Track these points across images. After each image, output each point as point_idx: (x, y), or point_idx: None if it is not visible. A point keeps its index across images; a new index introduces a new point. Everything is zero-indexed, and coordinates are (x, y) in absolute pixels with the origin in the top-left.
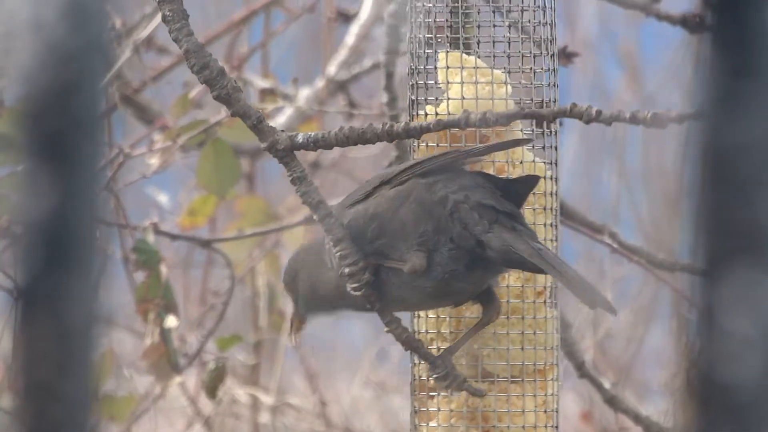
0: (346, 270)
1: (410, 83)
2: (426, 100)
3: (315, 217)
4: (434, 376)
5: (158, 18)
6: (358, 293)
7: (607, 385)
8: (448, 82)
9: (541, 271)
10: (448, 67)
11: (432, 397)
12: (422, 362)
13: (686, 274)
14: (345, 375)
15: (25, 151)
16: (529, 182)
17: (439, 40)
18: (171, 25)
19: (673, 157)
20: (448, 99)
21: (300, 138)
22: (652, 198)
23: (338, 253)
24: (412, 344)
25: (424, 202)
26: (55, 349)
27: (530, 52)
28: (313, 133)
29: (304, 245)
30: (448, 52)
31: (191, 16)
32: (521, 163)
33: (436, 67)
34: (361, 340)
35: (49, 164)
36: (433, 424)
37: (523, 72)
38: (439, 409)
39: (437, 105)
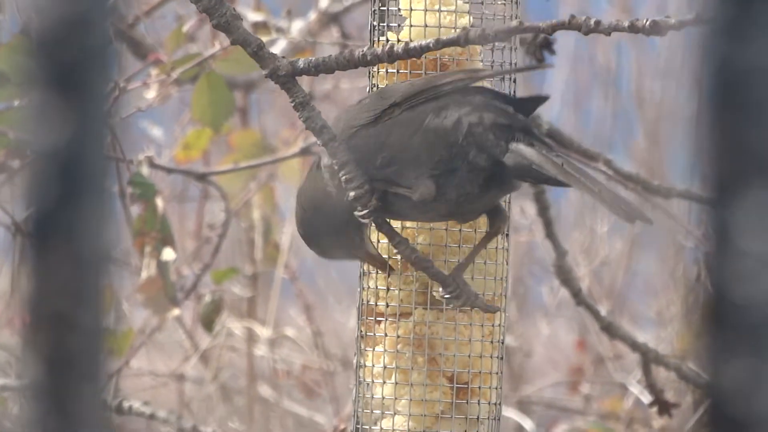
0: (352, 194)
1: (372, 9)
2: (387, 26)
3: (319, 141)
4: (447, 295)
5: None
6: (365, 220)
7: (602, 312)
8: (411, 9)
9: (565, 185)
10: None
11: (379, 322)
12: (371, 287)
13: (681, 202)
14: (340, 306)
15: (38, 83)
16: (537, 100)
17: None
18: None
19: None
20: (411, 26)
21: (301, 63)
22: (644, 126)
23: (344, 177)
24: (422, 264)
25: (437, 130)
26: (71, 280)
27: None
28: (313, 58)
29: (302, 189)
30: None
31: None
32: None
33: None
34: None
35: (61, 96)
36: (379, 348)
37: (483, 3)
38: (386, 335)
39: (398, 32)
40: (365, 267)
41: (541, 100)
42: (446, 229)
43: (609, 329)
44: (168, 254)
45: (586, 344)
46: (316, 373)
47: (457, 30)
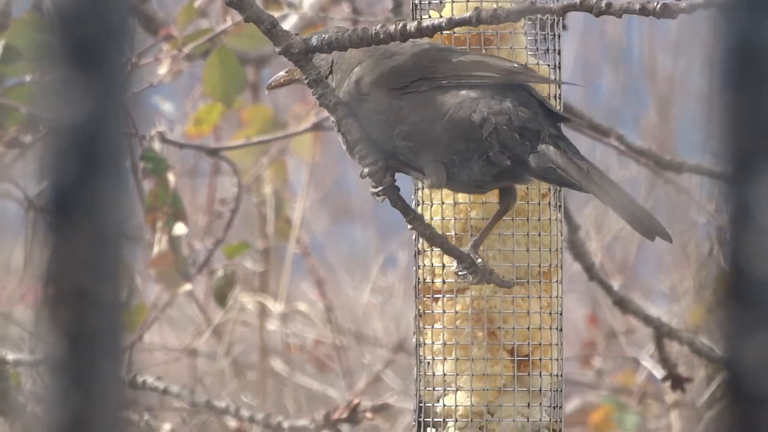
0: (366, 170)
1: None
2: (429, 3)
3: (332, 118)
4: (461, 271)
5: None
6: (379, 198)
7: (615, 287)
8: None
9: (588, 191)
10: None
11: (437, 299)
12: (426, 265)
13: (693, 175)
14: (352, 281)
15: (57, 57)
16: (567, 119)
17: None
18: None
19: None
20: (453, 1)
21: (314, 40)
22: (654, 101)
23: (357, 154)
24: (436, 240)
25: (461, 124)
26: (92, 255)
27: None
28: (326, 35)
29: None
30: None
31: None
32: (526, 65)
33: None
34: (366, 247)
35: (80, 71)
36: (438, 326)
37: None
38: (444, 311)
39: (440, 9)
40: (420, 245)
41: (573, 121)
42: (498, 203)
43: (621, 304)
44: (180, 229)
45: (598, 319)
46: (329, 347)
47: (500, 3)
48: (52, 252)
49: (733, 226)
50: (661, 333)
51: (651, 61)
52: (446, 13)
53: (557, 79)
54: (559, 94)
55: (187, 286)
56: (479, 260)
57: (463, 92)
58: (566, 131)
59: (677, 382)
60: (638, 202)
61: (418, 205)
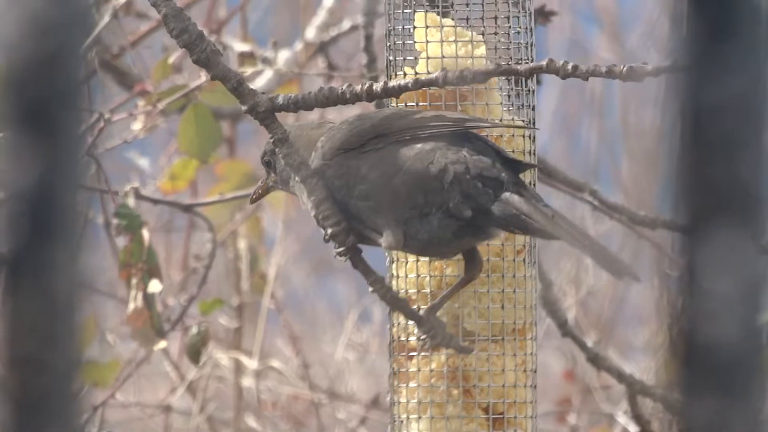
0: (329, 230)
1: (387, 44)
2: (404, 60)
3: (297, 178)
4: (422, 335)
5: None
6: (342, 258)
7: (589, 343)
8: (426, 42)
9: (555, 238)
10: (427, 27)
11: (411, 357)
12: (401, 323)
13: (667, 232)
14: (327, 337)
15: (8, 120)
16: (526, 166)
17: (416, 0)
18: None
19: (652, 114)
20: (427, 58)
21: (280, 99)
22: (632, 156)
23: (321, 214)
24: (397, 303)
25: (418, 174)
26: (41, 320)
27: (508, 11)
28: (293, 95)
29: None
30: (426, 11)
31: None
32: (501, 120)
33: (414, 27)
34: (344, 302)
35: (32, 133)
36: (412, 384)
37: (497, 33)
38: (419, 370)
39: (415, 65)
40: None
41: (529, 166)
42: (464, 272)
43: (595, 360)
44: (154, 286)
45: (574, 375)
46: (304, 403)
47: (475, 60)
48: (4, 317)
49: (680, 287)
50: (635, 390)
51: (630, 115)
52: (421, 68)
53: (531, 135)
54: (533, 150)
55: (163, 343)
56: (438, 325)
57: (419, 145)
58: (541, 188)
59: None
60: (605, 245)
61: (393, 262)
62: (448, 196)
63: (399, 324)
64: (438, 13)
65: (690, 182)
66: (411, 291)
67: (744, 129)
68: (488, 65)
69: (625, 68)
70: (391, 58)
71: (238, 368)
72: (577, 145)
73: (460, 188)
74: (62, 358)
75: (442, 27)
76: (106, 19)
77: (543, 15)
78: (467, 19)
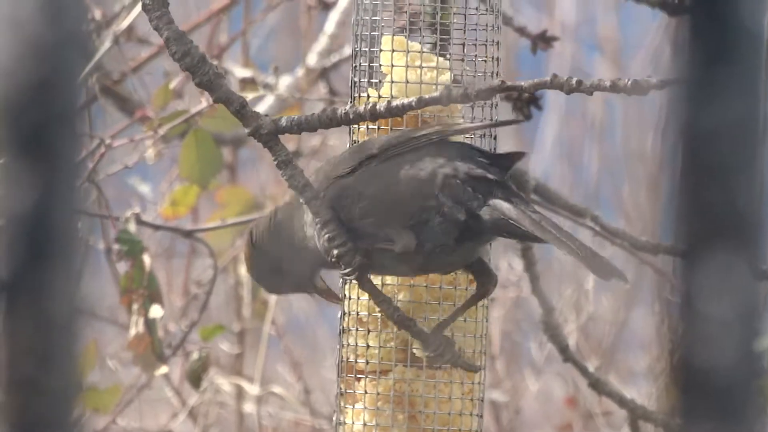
0: (335, 252)
1: (353, 65)
2: (369, 82)
3: (301, 200)
4: (429, 353)
5: (138, 8)
6: (350, 277)
7: (591, 368)
8: (392, 66)
9: (542, 241)
10: (393, 50)
11: (359, 379)
12: (350, 344)
13: (668, 257)
14: (329, 363)
15: (5, 146)
16: (515, 156)
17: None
18: (151, 14)
19: (653, 140)
20: (392, 82)
21: (283, 122)
22: (633, 181)
23: (326, 236)
24: (404, 323)
25: (411, 182)
26: (39, 343)
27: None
28: (296, 116)
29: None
30: (393, 35)
31: (170, 6)
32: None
33: (380, 50)
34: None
35: (29, 159)
36: (359, 406)
37: (465, 60)
38: (365, 392)
39: (379, 88)
40: (345, 324)
41: (519, 155)
42: (426, 287)
43: (596, 386)
44: (155, 311)
45: (575, 401)
46: (304, 429)
47: (439, 86)
48: (1, 340)
49: (678, 312)
50: (636, 415)
51: (631, 141)
52: (385, 92)
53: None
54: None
55: (164, 369)
56: (447, 343)
57: (408, 156)
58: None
59: None
60: (591, 248)
61: (345, 283)
62: (443, 201)
63: (348, 345)
64: (407, 38)
65: (688, 206)
66: (362, 313)
67: (742, 154)
68: (493, 81)
69: (629, 82)
70: (356, 79)
71: (240, 394)
72: (578, 170)
73: (451, 192)
74: (61, 382)
75: (408, 52)
76: (107, 44)
77: (544, 40)
78: (436, 43)
